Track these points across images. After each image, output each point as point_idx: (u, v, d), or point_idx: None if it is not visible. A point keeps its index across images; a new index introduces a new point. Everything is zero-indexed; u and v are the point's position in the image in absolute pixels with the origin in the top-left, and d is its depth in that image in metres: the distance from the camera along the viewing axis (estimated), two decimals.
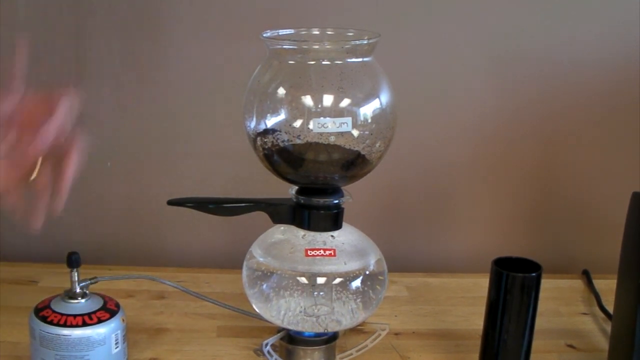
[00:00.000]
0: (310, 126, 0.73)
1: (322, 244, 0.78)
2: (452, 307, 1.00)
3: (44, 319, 0.75)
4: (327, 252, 0.78)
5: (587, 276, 1.09)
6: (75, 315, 0.76)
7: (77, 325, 0.75)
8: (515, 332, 0.77)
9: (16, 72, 0.53)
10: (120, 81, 1.06)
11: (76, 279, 0.78)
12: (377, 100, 0.76)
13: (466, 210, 1.14)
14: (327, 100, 0.74)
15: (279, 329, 0.82)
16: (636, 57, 1.05)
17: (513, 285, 0.75)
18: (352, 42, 0.77)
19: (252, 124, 0.77)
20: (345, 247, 0.79)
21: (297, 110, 0.74)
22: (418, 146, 1.09)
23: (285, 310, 0.79)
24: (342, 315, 0.80)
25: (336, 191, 0.79)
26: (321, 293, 0.79)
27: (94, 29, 1.03)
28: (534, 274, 0.75)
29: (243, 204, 0.80)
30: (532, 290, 0.76)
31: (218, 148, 1.08)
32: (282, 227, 0.81)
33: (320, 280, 0.78)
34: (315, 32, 0.80)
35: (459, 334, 0.93)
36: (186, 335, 0.90)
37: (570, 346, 0.91)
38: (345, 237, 0.80)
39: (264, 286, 0.80)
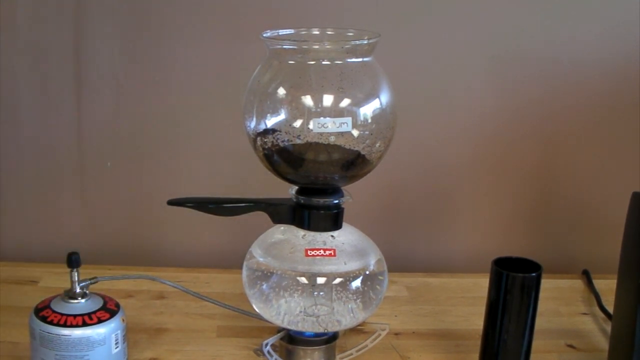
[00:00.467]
0: (310, 126, 0.73)
1: (322, 244, 0.78)
2: (452, 307, 1.00)
3: (44, 319, 0.75)
4: (327, 252, 0.78)
5: (587, 276, 1.09)
6: (75, 315, 0.76)
7: (77, 325, 0.75)
8: (515, 332, 0.77)
9: None
10: (120, 81, 1.06)
11: (76, 279, 0.78)
12: (377, 100, 0.76)
13: (466, 210, 1.14)
14: (327, 100, 0.74)
15: (279, 329, 0.82)
16: (636, 57, 1.05)
17: (513, 285, 0.75)
18: (352, 42, 0.77)
19: (252, 124, 0.77)
20: (345, 247, 0.79)
21: (297, 110, 0.74)
22: (418, 146, 1.09)
23: (285, 310, 0.79)
24: (342, 315, 0.80)
25: (336, 191, 0.79)
26: (321, 293, 0.79)
27: (94, 29, 1.03)
28: (534, 274, 0.75)
29: (243, 204, 0.80)
30: (532, 290, 0.76)
31: (218, 148, 1.08)
32: (282, 227, 0.81)
33: (320, 280, 0.78)
34: (315, 32, 0.80)
35: (459, 334, 0.93)
36: (186, 335, 0.90)
37: (570, 346, 0.91)
38: (345, 237, 0.80)
39: (264, 286, 0.80)
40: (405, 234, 1.14)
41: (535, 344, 0.78)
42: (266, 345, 0.80)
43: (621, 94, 1.08)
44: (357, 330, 0.89)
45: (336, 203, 0.78)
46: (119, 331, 0.78)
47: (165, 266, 1.09)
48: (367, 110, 0.75)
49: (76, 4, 1.02)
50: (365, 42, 0.75)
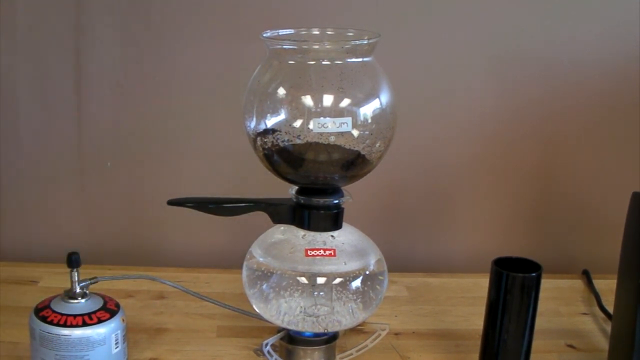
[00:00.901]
0: (310, 126, 0.73)
1: (322, 244, 0.78)
2: (452, 307, 1.00)
3: (44, 319, 0.75)
4: (327, 252, 0.78)
5: (587, 276, 1.09)
6: (75, 315, 0.76)
7: (77, 325, 0.75)
8: (515, 332, 0.77)
9: None
10: (120, 81, 1.06)
11: (76, 279, 0.78)
12: (377, 100, 0.76)
13: (466, 210, 1.14)
14: (327, 100, 0.74)
15: (279, 329, 0.82)
16: (636, 57, 1.05)
17: (513, 285, 0.75)
18: (352, 42, 0.77)
19: (252, 124, 0.77)
20: (345, 247, 0.79)
21: (297, 110, 0.74)
22: (418, 146, 1.09)
23: (285, 310, 0.79)
24: (342, 315, 0.80)
25: (336, 191, 0.79)
26: (321, 293, 0.79)
27: (94, 29, 1.03)
28: (534, 274, 0.75)
29: (243, 204, 0.80)
30: (532, 290, 0.75)
31: (218, 148, 1.08)
32: (282, 227, 0.81)
33: (320, 280, 0.78)
34: (315, 32, 0.80)
35: (459, 334, 0.93)
36: (186, 335, 0.90)
37: (570, 346, 0.91)
38: (345, 237, 0.80)
39: (264, 286, 0.80)
40: (405, 234, 1.14)
41: (535, 344, 0.78)
42: (266, 345, 0.80)
43: (621, 94, 1.08)
44: (357, 330, 0.89)
45: (336, 203, 0.78)
46: (119, 331, 0.78)
47: (165, 266, 1.09)
48: (367, 110, 0.75)
49: (76, 4, 1.02)
50: (365, 42, 0.75)
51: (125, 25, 1.04)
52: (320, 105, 0.74)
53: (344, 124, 0.73)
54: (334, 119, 0.73)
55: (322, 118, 0.73)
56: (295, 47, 0.76)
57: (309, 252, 0.78)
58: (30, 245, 1.12)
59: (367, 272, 0.80)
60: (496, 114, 1.09)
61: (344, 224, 0.80)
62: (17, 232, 1.12)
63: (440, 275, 1.09)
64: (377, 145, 0.76)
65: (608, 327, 0.93)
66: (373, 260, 0.81)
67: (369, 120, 0.75)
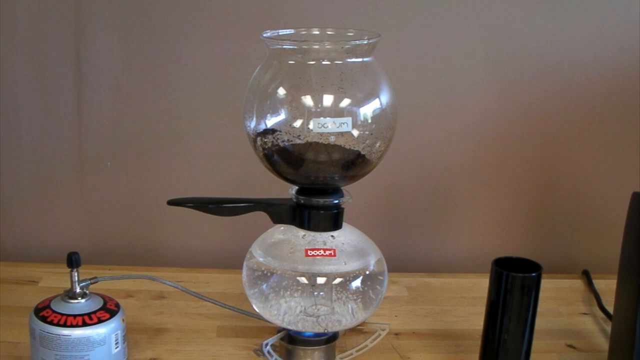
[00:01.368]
0: (310, 126, 0.73)
1: (322, 244, 0.78)
2: (452, 307, 1.00)
3: (44, 319, 0.75)
4: (327, 252, 0.78)
5: (587, 276, 1.09)
6: (75, 315, 0.76)
7: (77, 325, 0.75)
8: (515, 332, 0.77)
9: None
10: (120, 81, 1.06)
11: (76, 279, 0.78)
12: (377, 100, 0.76)
13: (466, 210, 1.14)
14: (327, 100, 0.74)
15: (279, 329, 0.82)
16: (636, 57, 1.05)
17: (513, 285, 0.75)
18: (352, 42, 0.77)
19: (252, 124, 0.77)
20: (346, 247, 0.79)
21: (297, 110, 0.74)
22: (418, 146, 1.09)
23: (285, 310, 0.79)
24: (342, 315, 0.80)
25: (336, 191, 0.79)
26: (321, 293, 0.79)
27: (94, 29, 1.03)
28: (534, 274, 0.75)
29: (243, 204, 0.80)
30: (532, 290, 0.76)
31: (218, 148, 1.08)
32: (282, 227, 0.81)
33: (320, 280, 0.78)
34: (315, 32, 0.80)
35: (459, 334, 0.93)
36: (186, 335, 0.90)
37: (570, 346, 0.91)
38: (345, 237, 0.80)
39: (264, 286, 0.80)
40: (405, 234, 1.14)
41: (535, 344, 0.78)
42: (266, 345, 0.80)
43: (621, 94, 1.08)
44: (357, 330, 0.89)
45: (336, 203, 0.78)
46: (119, 331, 0.78)
47: (165, 266, 1.09)
48: (367, 110, 0.75)
49: (76, 4, 1.02)
50: (365, 42, 0.75)
51: (125, 25, 1.03)
52: (320, 105, 0.74)
53: (344, 124, 0.73)
54: (334, 119, 0.73)
55: (322, 118, 0.73)
56: (295, 47, 0.76)
57: (309, 252, 0.78)
58: (30, 245, 1.12)
59: (367, 272, 0.80)
60: (496, 114, 1.09)
61: (344, 224, 0.80)
62: (17, 232, 1.12)
63: (440, 275, 1.09)
64: (377, 145, 0.76)
65: (608, 327, 0.93)
66: (373, 260, 0.81)
67: (369, 120, 0.75)
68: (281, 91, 0.75)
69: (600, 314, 0.98)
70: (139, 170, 1.10)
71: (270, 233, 0.83)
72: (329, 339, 0.82)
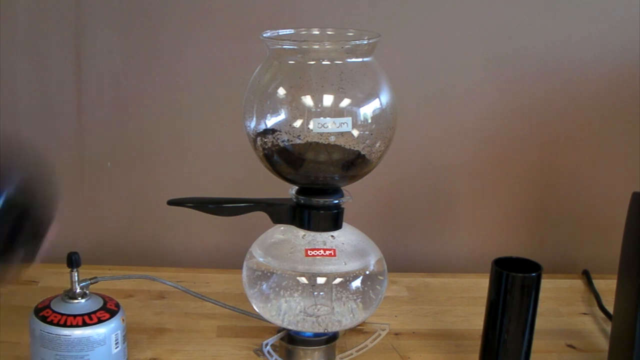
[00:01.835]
0: (310, 126, 0.73)
1: (322, 244, 0.78)
2: (452, 307, 1.00)
3: (44, 319, 0.75)
4: (327, 252, 0.78)
5: (587, 276, 1.09)
6: (75, 315, 0.76)
7: (77, 325, 0.75)
8: (515, 332, 0.77)
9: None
10: (120, 81, 1.06)
11: (76, 279, 0.78)
12: (377, 100, 0.76)
13: (466, 210, 1.14)
14: (327, 100, 0.74)
15: (279, 329, 0.82)
16: (636, 57, 1.05)
17: (513, 285, 0.75)
18: (352, 42, 0.77)
19: (252, 124, 0.77)
20: (346, 247, 0.79)
21: (297, 110, 0.74)
22: (418, 146, 1.09)
23: (285, 310, 0.79)
24: (342, 315, 0.80)
25: (336, 191, 0.79)
26: (321, 293, 0.79)
27: (94, 29, 1.03)
28: (534, 274, 0.75)
29: (243, 204, 0.80)
30: (532, 290, 0.75)
31: (218, 148, 1.08)
32: (282, 227, 0.81)
33: (320, 280, 0.78)
34: (315, 32, 0.80)
35: (459, 334, 0.93)
36: (186, 335, 0.90)
37: (570, 346, 0.91)
38: (345, 237, 0.80)
39: (264, 286, 0.80)
40: (405, 234, 1.14)
41: (535, 344, 0.78)
42: (266, 345, 0.80)
43: (621, 94, 1.08)
44: (357, 330, 0.89)
45: (336, 203, 0.78)
46: (119, 331, 0.78)
47: (165, 266, 1.09)
48: (367, 110, 0.75)
49: (76, 4, 1.02)
50: (365, 42, 0.75)
51: (126, 25, 1.03)
52: (320, 105, 0.74)
53: (344, 124, 0.73)
54: (334, 119, 0.73)
55: (322, 118, 0.73)
56: (295, 47, 0.76)
57: (309, 252, 0.78)
58: None
59: (367, 272, 0.80)
60: (496, 114, 1.09)
61: (344, 224, 0.80)
62: None
63: (440, 275, 1.09)
64: (377, 145, 0.76)
65: (608, 327, 0.93)
66: (373, 260, 0.81)
67: (369, 120, 0.75)
68: (281, 91, 0.75)
69: (600, 314, 0.98)
70: (139, 170, 1.10)
71: (270, 233, 0.83)
72: (329, 339, 0.82)
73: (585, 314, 0.99)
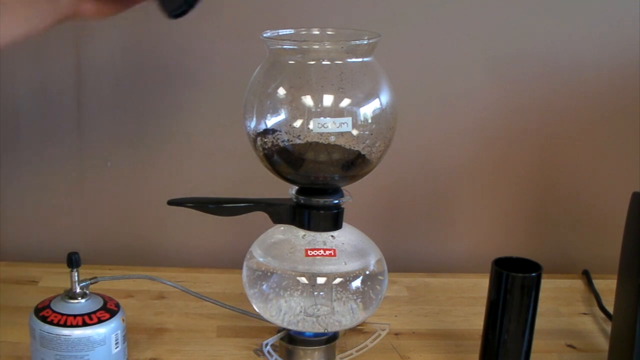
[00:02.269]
0: (310, 126, 0.73)
1: (322, 244, 0.78)
2: (452, 307, 1.00)
3: (44, 319, 0.75)
4: (327, 252, 0.78)
5: (587, 276, 1.09)
6: (75, 315, 0.76)
7: (77, 325, 0.75)
8: (515, 332, 0.77)
9: None
10: (120, 81, 1.06)
11: (76, 279, 0.78)
12: (377, 100, 0.76)
13: (466, 210, 1.14)
14: (327, 100, 0.74)
15: (279, 329, 0.82)
16: (636, 57, 1.05)
17: (513, 285, 0.75)
18: (352, 42, 0.77)
19: (252, 124, 0.77)
20: (346, 247, 0.79)
21: (297, 110, 0.74)
22: (418, 146, 1.09)
23: (285, 310, 0.79)
24: (342, 315, 0.80)
25: (336, 191, 0.79)
26: (321, 293, 0.79)
27: (94, 29, 1.03)
28: (534, 274, 0.75)
29: (243, 204, 0.80)
30: (532, 290, 0.75)
31: (218, 148, 1.08)
32: (282, 227, 0.81)
33: (320, 280, 0.78)
34: (315, 32, 0.80)
35: (459, 334, 0.93)
36: (186, 335, 0.90)
37: (570, 346, 0.91)
38: (345, 237, 0.80)
39: (264, 286, 0.80)
40: (405, 234, 1.14)
41: (535, 344, 0.78)
42: (266, 345, 0.80)
43: (621, 94, 1.08)
44: (357, 330, 0.89)
45: (336, 203, 0.78)
46: (119, 331, 0.78)
47: (165, 266, 1.09)
48: (367, 110, 0.75)
49: None
50: (365, 42, 0.75)
51: (126, 25, 1.03)
52: (320, 105, 0.74)
53: (344, 124, 0.73)
54: (334, 119, 0.73)
55: (322, 118, 0.73)
56: (295, 47, 0.76)
57: (309, 252, 0.78)
58: (30, 245, 1.12)
59: (367, 272, 0.80)
60: (496, 114, 1.09)
61: (344, 224, 0.80)
62: (17, 232, 1.12)
63: (440, 275, 1.09)
64: (377, 145, 0.76)
65: (608, 327, 0.93)
66: (373, 260, 0.81)
67: (369, 120, 0.75)
68: (281, 91, 0.75)
69: (600, 314, 0.98)
70: (139, 170, 1.10)
71: (270, 233, 0.83)
72: (329, 339, 0.82)
73: (585, 314, 0.99)
